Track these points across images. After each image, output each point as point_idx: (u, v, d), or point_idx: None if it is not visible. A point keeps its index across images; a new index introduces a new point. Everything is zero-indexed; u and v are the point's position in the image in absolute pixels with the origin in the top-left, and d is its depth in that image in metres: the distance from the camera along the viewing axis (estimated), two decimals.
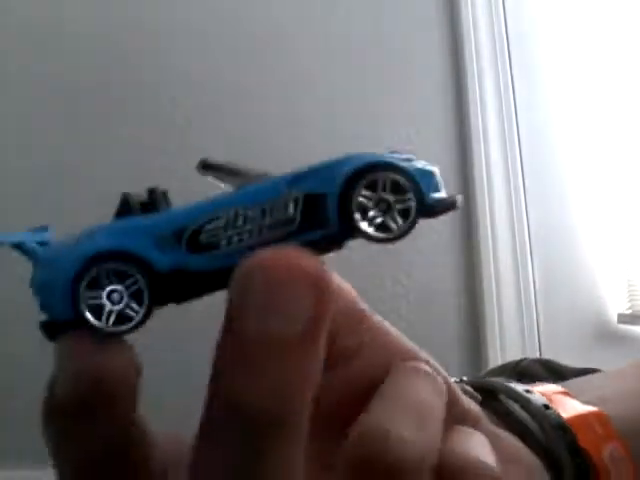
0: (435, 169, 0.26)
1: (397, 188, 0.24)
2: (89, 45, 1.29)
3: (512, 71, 1.33)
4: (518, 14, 1.36)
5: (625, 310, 1.31)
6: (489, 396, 0.29)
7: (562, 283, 1.30)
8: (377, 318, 0.27)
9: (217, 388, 0.20)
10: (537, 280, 1.28)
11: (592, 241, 1.33)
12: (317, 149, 1.25)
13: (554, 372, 0.46)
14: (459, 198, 0.26)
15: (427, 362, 0.26)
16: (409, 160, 0.26)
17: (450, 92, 1.33)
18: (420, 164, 0.26)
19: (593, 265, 1.33)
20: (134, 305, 0.23)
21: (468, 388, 0.29)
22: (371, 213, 0.24)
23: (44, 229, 0.29)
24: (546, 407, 0.28)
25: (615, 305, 1.32)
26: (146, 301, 0.23)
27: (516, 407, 0.28)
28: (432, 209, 0.25)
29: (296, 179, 0.24)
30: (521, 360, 0.51)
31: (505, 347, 1.24)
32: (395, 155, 0.26)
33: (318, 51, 1.31)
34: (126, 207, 0.26)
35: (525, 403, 0.28)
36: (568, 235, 1.33)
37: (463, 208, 1.29)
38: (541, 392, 0.29)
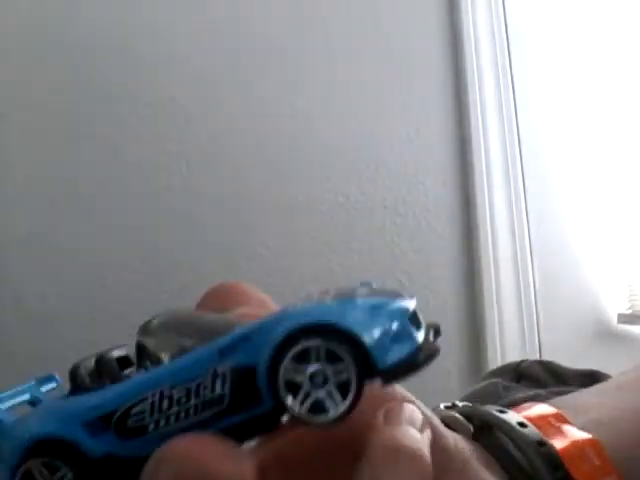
0: (406, 309, 0.22)
1: (333, 356, 0.20)
2: (89, 45, 1.29)
3: (512, 71, 1.33)
4: (518, 14, 1.36)
5: (625, 310, 1.31)
6: (482, 425, 0.29)
7: (562, 283, 1.30)
8: None
9: None
10: (537, 280, 1.28)
11: (592, 241, 1.33)
12: (317, 149, 1.25)
13: (554, 374, 0.46)
14: (435, 348, 0.22)
15: (412, 402, 0.24)
16: (377, 306, 0.21)
17: (450, 92, 1.32)
18: (388, 310, 0.21)
19: (593, 265, 1.33)
20: None
21: (460, 419, 0.28)
22: (304, 389, 0.20)
23: (50, 379, 0.29)
24: (540, 444, 0.27)
25: (615, 305, 1.32)
26: None
27: (507, 442, 0.28)
28: (389, 374, 0.20)
29: (225, 349, 0.21)
30: (522, 361, 0.51)
31: (505, 347, 1.24)
32: (359, 300, 0.21)
33: (318, 51, 1.31)
34: (75, 382, 0.25)
35: (518, 440, 0.27)
36: (568, 235, 1.33)
37: (463, 208, 1.29)
38: (537, 417, 0.28)
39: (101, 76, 1.28)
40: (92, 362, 0.25)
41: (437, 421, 0.26)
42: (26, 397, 0.27)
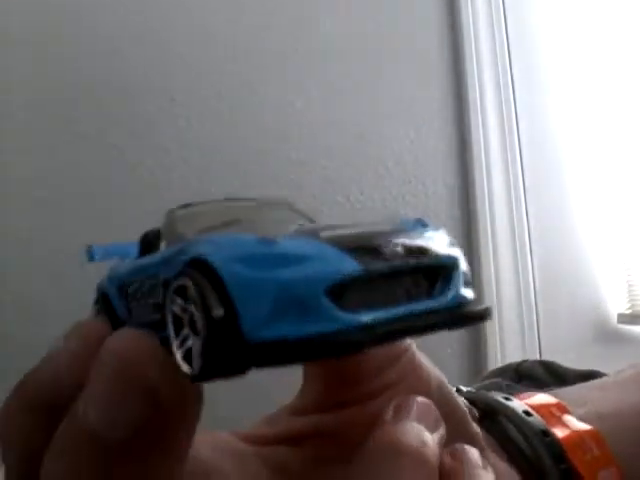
0: (339, 277, 0.17)
1: (204, 303, 0.16)
2: (89, 45, 1.29)
3: (512, 71, 1.33)
4: (518, 14, 1.36)
5: (625, 310, 1.31)
6: (485, 411, 0.29)
7: (562, 283, 1.30)
8: (413, 348, 0.26)
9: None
10: (537, 280, 1.28)
11: (592, 241, 1.33)
12: (317, 149, 1.25)
13: (555, 374, 0.46)
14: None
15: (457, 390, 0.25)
16: (299, 257, 0.17)
17: (450, 92, 1.32)
18: (311, 267, 0.16)
19: (593, 265, 1.32)
20: None
21: (466, 403, 0.28)
22: (184, 331, 0.17)
23: None
24: (544, 433, 0.27)
25: (615, 305, 1.32)
26: None
27: (512, 428, 0.28)
28: (256, 351, 0.16)
29: (164, 260, 0.20)
30: (522, 362, 0.51)
31: (505, 347, 1.24)
32: (284, 242, 0.17)
33: (318, 51, 1.31)
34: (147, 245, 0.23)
35: (523, 427, 0.27)
36: (568, 235, 1.33)
37: (463, 208, 1.29)
38: (539, 406, 0.28)
39: (101, 76, 1.28)
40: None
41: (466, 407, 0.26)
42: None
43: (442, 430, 0.22)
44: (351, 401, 0.25)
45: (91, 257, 0.26)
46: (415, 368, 0.26)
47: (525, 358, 0.53)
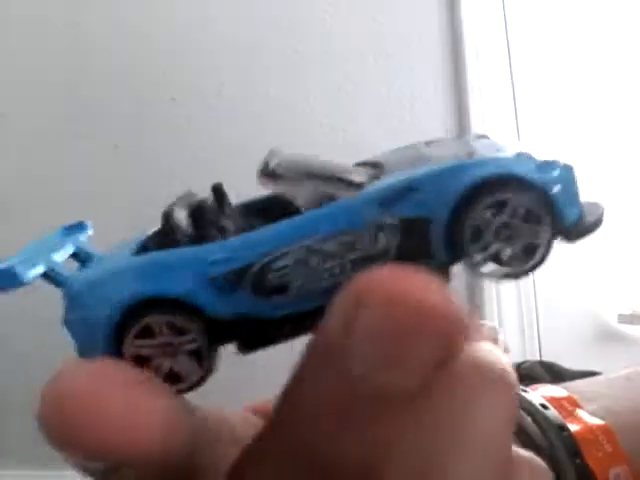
0: (572, 169, 0.21)
1: (529, 216, 0.19)
2: (89, 45, 1.29)
3: (512, 71, 1.33)
4: (518, 14, 1.36)
5: (625, 310, 1.30)
6: None
7: (562, 283, 1.30)
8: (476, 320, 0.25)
9: (288, 430, 0.16)
10: (537, 280, 1.28)
11: (592, 240, 1.33)
12: (317, 148, 1.25)
13: (556, 375, 0.46)
14: (601, 211, 0.21)
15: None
16: (546, 163, 0.20)
17: (450, 92, 1.32)
18: (554, 169, 0.20)
19: (593, 265, 1.32)
20: (189, 362, 0.19)
21: None
22: (487, 240, 0.19)
23: (82, 227, 0.24)
24: (561, 428, 0.26)
25: (615, 305, 1.32)
26: (204, 358, 0.19)
27: (529, 421, 0.27)
28: (570, 235, 0.21)
29: (386, 200, 0.19)
30: (523, 362, 0.51)
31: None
32: (524, 155, 0.20)
33: (318, 51, 1.31)
34: (169, 231, 0.21)
35: (540, 420, 0.27)
36: None
37: None
38: (551, 398, 0.28)
39: (101, 76, 1.28)
40: (182, 213, 0.22)
41: None
42: (70, 249, 0.22)
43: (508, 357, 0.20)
44: None
45: (18, 281, 0.21)
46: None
47: (525, 359, 0.53)
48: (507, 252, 0.19)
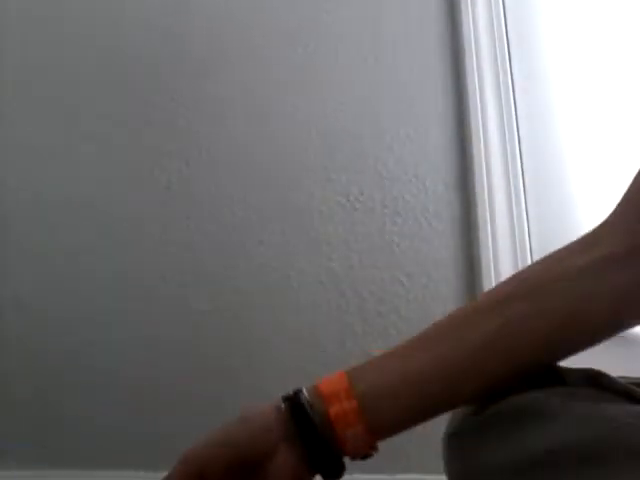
0: None
1: None
2: (89, 45, 1.29)
3: (512, 71, 1.33)
4: (518, 14, 1.36)
5: None
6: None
7: None
8: None
9: None
10: None
11: None
12: (317, 148, 1.25)
13: (555, 375, 0.46)
14: None
15: None
16: None
17: (450, 92, 1.32)
18: None
19: None
20: None
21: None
22: None
23: None
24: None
25: None
26: None
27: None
28: None
29: None
30: None
31: None
32: None
33: (318, 52, 1.31)
34: None
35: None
36: (569, 235, 1.32)
37: (463, 208, 1.29)
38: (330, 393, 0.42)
39: (101, 76, 1.28)
40: None
41: None
42: None
43: None
44: None
45: None
46: None
47: None
48: None
